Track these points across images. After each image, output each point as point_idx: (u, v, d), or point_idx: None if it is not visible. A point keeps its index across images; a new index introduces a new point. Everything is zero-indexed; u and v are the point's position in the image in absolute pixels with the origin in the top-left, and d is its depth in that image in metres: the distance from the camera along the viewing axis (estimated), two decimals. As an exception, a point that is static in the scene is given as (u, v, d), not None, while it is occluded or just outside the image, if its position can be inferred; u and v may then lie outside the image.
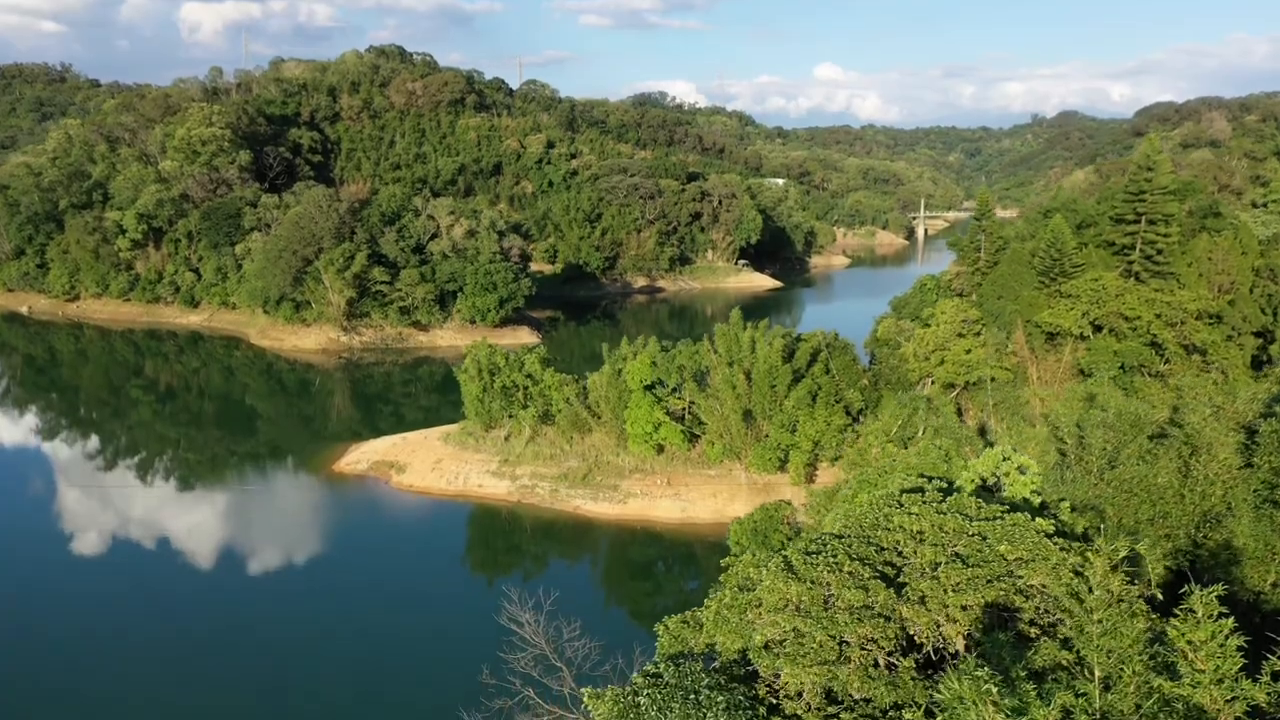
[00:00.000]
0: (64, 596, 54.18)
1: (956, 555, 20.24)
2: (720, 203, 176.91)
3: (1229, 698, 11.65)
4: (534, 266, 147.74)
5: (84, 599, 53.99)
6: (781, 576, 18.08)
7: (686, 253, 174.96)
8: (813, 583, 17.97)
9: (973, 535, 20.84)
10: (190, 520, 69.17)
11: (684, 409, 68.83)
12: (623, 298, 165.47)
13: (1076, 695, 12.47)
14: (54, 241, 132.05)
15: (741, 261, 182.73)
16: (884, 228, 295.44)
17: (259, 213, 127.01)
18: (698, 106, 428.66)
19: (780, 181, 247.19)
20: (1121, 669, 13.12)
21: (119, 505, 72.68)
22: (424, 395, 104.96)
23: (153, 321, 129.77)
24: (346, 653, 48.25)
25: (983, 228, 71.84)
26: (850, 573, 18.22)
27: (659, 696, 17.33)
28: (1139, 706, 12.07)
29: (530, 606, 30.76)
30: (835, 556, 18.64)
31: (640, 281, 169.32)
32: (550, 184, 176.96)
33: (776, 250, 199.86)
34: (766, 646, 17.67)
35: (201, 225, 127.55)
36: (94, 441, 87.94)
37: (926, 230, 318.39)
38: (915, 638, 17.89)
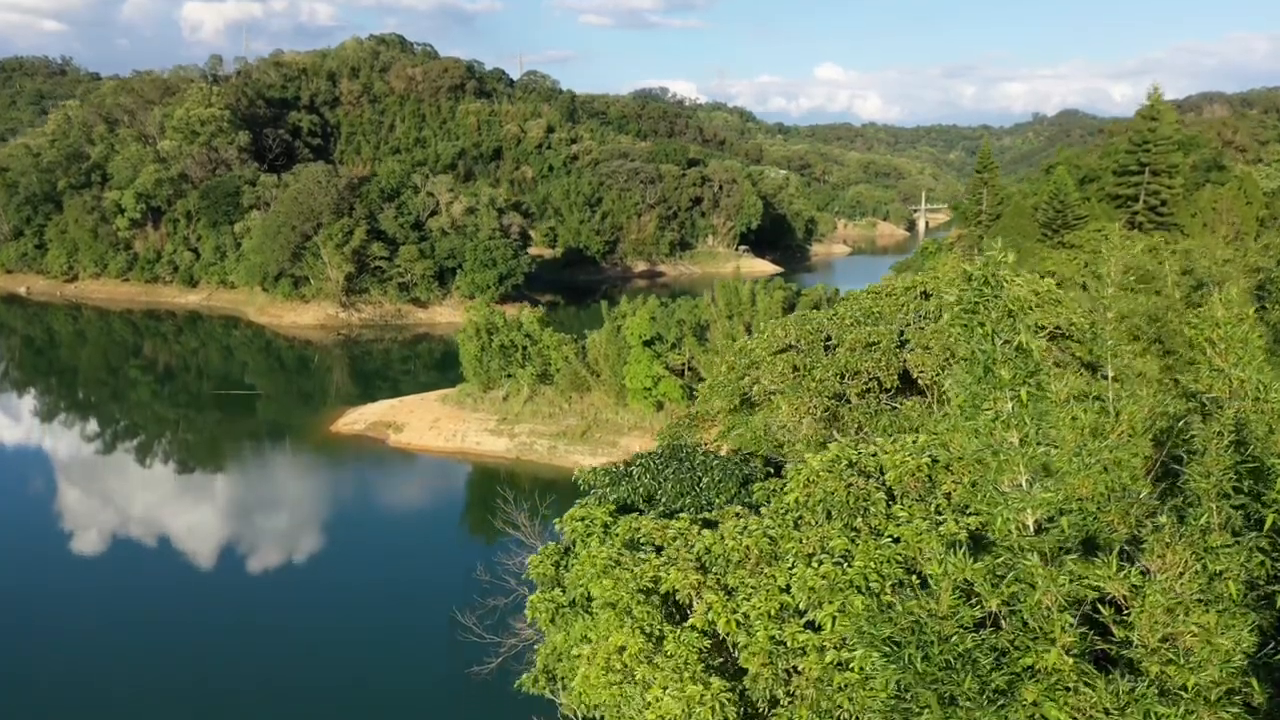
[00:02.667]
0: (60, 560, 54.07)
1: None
2: (721, 188, 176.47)
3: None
4: (534, 251, 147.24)
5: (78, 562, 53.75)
6: (780, 324, 17.45)
7: (687, 238, 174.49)
8: (813, 330, 17.39)
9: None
10: (180, 486, 68.96)
11: (684, 364, 68.25)
12: (623, 282, 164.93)
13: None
14: (52, 222, 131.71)
15: (742, 247, 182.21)
16: (885, 219, 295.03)
17: (258, 191, 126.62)
18: (699, 102, 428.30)
19: (781, 171, 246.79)
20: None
21: (115, 475, 72.31)
22: (423, 372, 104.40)
23: (151, 301, 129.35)
24: (339, 600, 48.42)
25: (985, 180, 71.23)
26: (851, 320, 17.62)
27: (652, 464, 16.80)
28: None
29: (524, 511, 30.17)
30: (835, 312, 18.03)
31: (640, 266, 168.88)
32: (550, 169, 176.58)
33: (777, 238, 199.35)
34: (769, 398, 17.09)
35: (200, 204, 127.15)
36: (93, 423, 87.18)
37: (928, 223, 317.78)
38: (917, 380, 17.31)
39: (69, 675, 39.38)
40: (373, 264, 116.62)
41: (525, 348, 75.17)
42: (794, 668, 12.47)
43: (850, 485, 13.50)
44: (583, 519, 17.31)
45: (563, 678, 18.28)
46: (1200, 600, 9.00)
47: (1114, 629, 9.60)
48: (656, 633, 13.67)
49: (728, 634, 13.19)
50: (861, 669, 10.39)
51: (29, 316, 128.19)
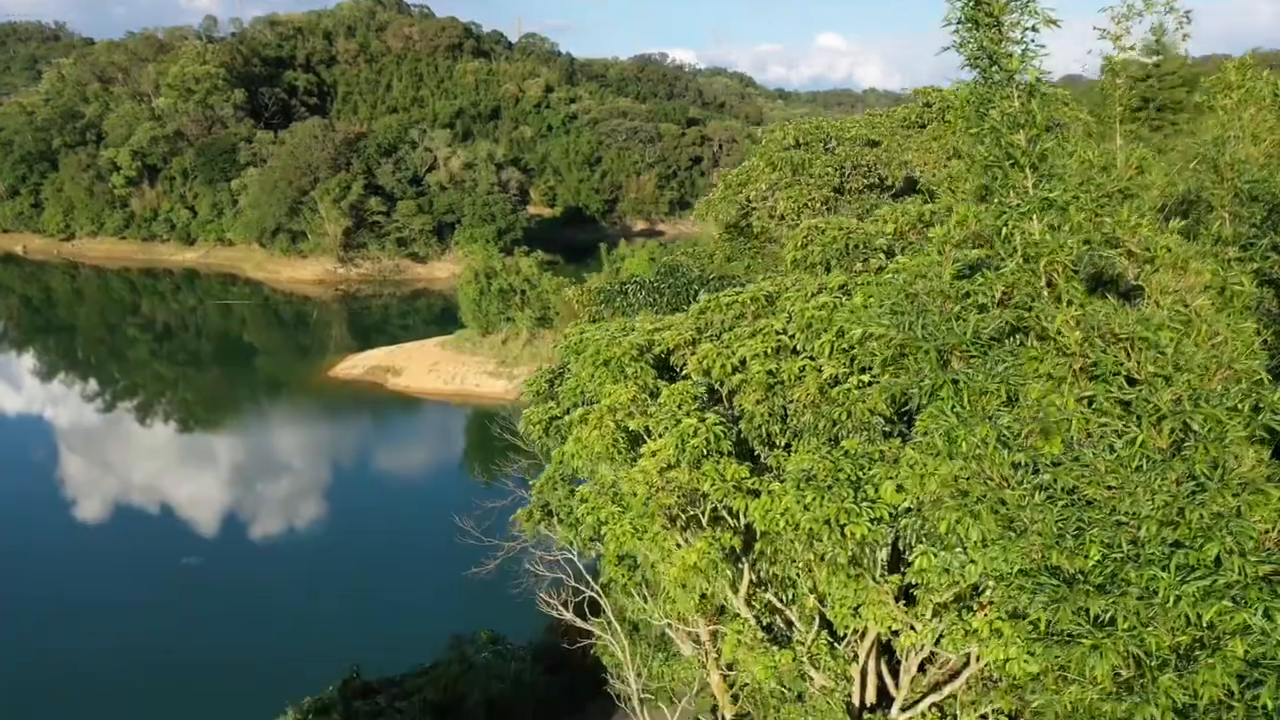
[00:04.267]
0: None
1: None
2: (721, 147, 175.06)
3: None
4: (533, 209, 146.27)
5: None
6: (781, 126, 17.11)
7: (686, 197, 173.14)
8: (813, 129, 17.06)
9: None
10: (183, 437, 69.40)
11: (683, 304, 67.83)
12: (622, 240, 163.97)
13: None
14: (48, 181, 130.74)
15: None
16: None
17: (254, 148, 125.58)
18: (699, 68, 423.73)
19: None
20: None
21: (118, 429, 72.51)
22: (422, 327, 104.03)
23: (149, 260, 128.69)
24: (342, 528, 49.42)
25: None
26: (853, 125, 17.33)
27: (647, 281, 16.57)
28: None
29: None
30: (837, 121, 17.72)
31: (640, 225, 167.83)
32: (549, 128, 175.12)
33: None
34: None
35: (196, 162, 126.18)
36: (92, 382, 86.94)
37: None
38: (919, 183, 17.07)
39: (81, 633, 39.77)
40: (370, 219, 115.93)
41: (524, 291, 74.76)
42: (787, 406, 12.26)
43: (850, 234, 13.23)
44: (577, 334, 17.03)
45: (558, 509, 18.15)
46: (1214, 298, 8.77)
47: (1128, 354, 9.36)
48: (651, 387, 13.47)
49: (722, 380, 12.98)
50: (861, 340, 10.19)
51: (26, 276, 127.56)
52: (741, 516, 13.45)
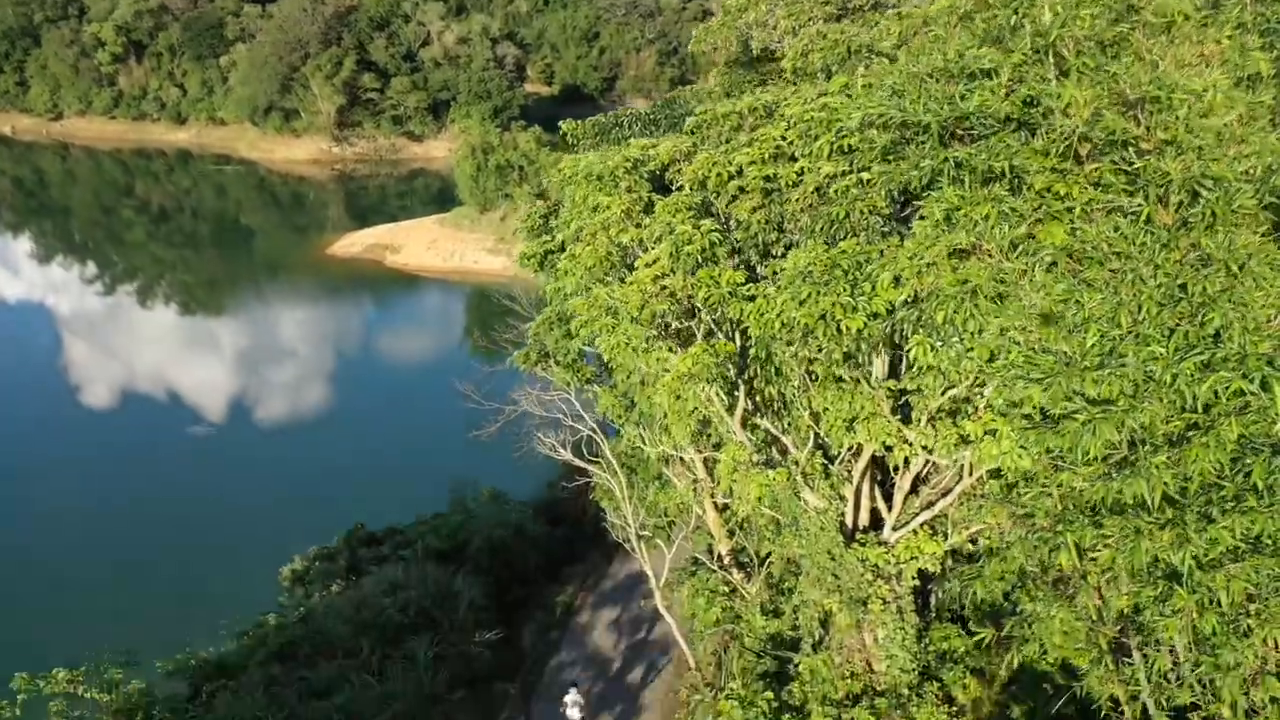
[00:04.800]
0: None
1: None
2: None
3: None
4: (529, 88, 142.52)
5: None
6: None
7: (687, 74, 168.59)
8: None
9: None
10: (184, 319, 69.49)
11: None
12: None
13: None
14: (32, 57, 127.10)
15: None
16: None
17: (242, 23, 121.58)
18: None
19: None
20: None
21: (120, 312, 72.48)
22: (420, 208, 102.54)
23: (140, 140, 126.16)
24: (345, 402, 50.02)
25: None
26: None
27: (644, 114, 16.20)
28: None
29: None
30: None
31: (639, 103, 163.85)
32: (546, 2, 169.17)
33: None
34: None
35: (183, 37, 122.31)
36: (90, 266, 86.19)
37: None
38: None
39: (93, 494, 40.60)
40: (364, 96, 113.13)
41: (522, 168, 73.42)
42: (784, 213, 12.04)
43: (852, 39, 12.76)
44: (571, 161, 16.63)
45: (555, 351, 18.09)
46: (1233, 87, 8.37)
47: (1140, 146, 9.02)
48: (645, 200, 13.21)
49: (718, 191, 12.72)
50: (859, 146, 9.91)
51: (16, 157, 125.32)
52: (736, 330, 13.33)
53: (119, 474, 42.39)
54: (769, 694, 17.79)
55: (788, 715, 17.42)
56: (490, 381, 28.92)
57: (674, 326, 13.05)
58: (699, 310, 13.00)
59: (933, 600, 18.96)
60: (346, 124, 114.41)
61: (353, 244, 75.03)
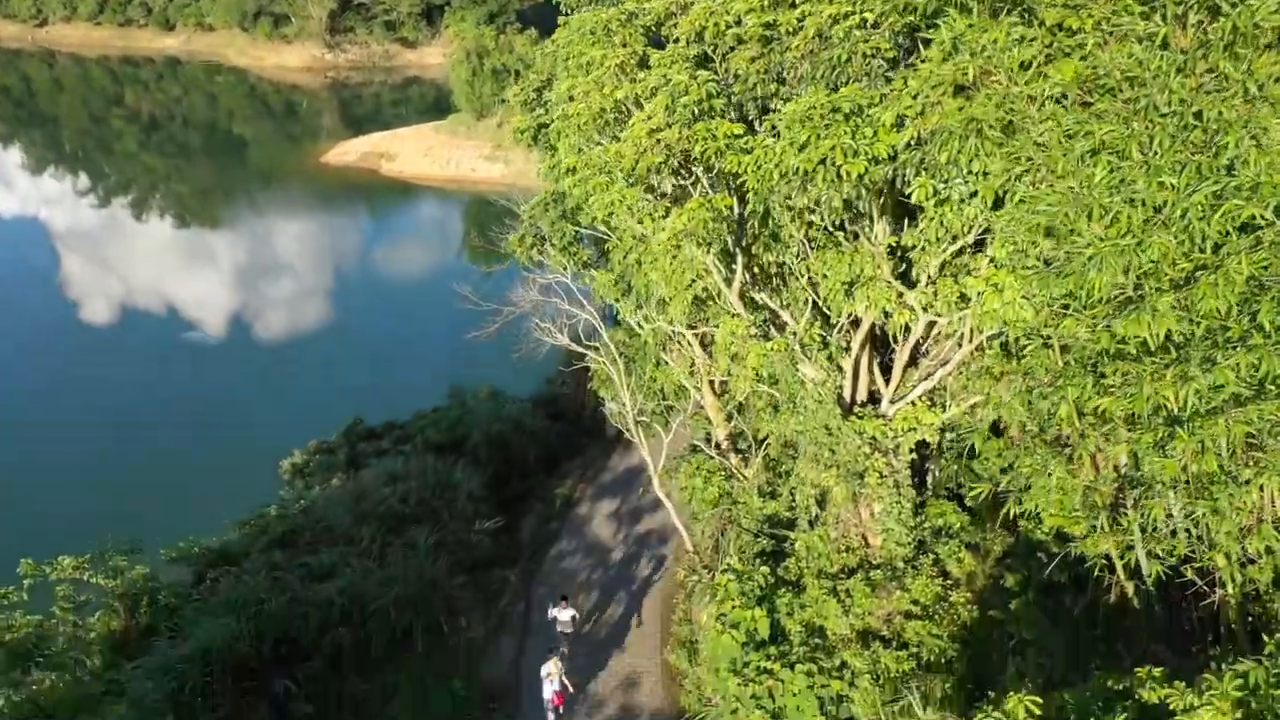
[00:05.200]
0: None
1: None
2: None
3: None
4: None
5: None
6: None
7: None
8: None
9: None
10: (178, 232, 68.90)
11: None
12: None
13: None
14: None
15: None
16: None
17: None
18: None
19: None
20: None
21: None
22: (415, 116, 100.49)
23: (127, 46, 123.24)
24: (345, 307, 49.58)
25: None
26: None
27: None
28: None
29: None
30: None
31: None
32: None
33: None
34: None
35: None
36: (82, 177, 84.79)
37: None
38: None
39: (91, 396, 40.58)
40: (356, 0, 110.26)
41: (518, 72, 71.66)
42: (784, 64, 11.62)
43: None
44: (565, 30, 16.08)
45: (550, 234, 17.77)
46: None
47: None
48: (641, 54, 12.77)
49: (715, 44, 12.28)
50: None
51: (2, 64, 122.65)
52: (733, 190, 12.96)
53: (118, 380, 42.40)
54: (765, 569, 17.94)
55: (784, 589, 17.58)
56: (489, 284, 28.61)
57: (669, 190, 12.68)
58: (695, 169, 12.61)
59: (929, 479, 19.00)
60: (338, 30, 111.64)
61: (347, 152, 73.79)
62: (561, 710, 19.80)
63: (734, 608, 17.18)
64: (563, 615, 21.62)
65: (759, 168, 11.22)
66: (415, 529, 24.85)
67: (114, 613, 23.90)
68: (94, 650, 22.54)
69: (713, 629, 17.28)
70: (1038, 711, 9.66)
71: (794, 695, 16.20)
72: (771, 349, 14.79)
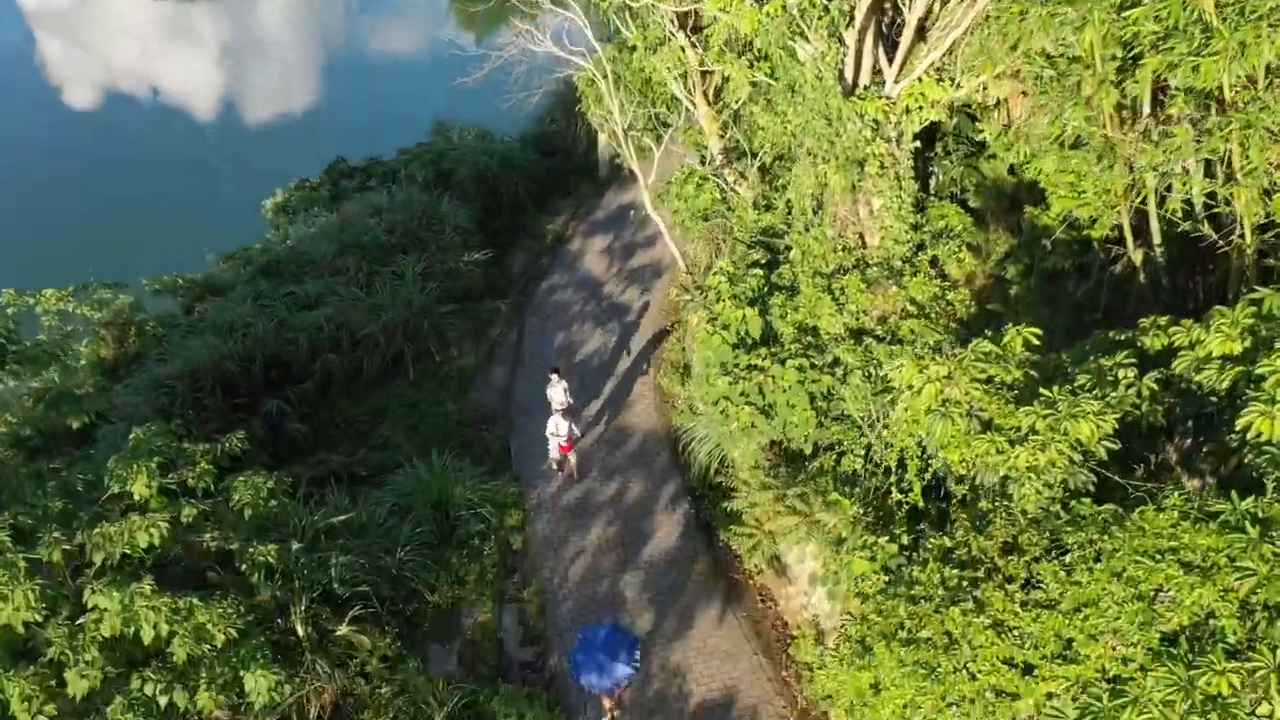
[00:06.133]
0: None
1: None
2: None
3: None
4: None
5: None
6: None
7: None
8: None
9: None
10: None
11: None
12: None
13: None
14: None
15: None
16: None
17: None
18: None
19: None
20: None
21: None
22: None
23: None
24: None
25: None
26: None
27: None
28: None
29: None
30: None
31: None
32: None
33: None
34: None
35: None
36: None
37: None
38: None
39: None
40: None
41: None
42: None
43: None
44: None
45: None
46: None
47: None
48: None
49: None
50: None
51: None
52: None
53: (96, 125, 40.89)
54: (759, 271, 17.37)
55: (777, 292, 17.08)
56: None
57: None
58: None
59: (932, 183, 18.08)
60: None
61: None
62: (570, 458, 19.09)
63: (725, 308, 16.76)
64: (554, 394, 19.61)
65: None
66: (401, 259, 24.25)
67: (102, 340, 23.82)
68: (84, 373, 22.61)
69: (703, 330, 16.93)
70: (1035, 341, 9.17)
71: (784, 390, 16.03)
72: (768, 14, 13.45)
